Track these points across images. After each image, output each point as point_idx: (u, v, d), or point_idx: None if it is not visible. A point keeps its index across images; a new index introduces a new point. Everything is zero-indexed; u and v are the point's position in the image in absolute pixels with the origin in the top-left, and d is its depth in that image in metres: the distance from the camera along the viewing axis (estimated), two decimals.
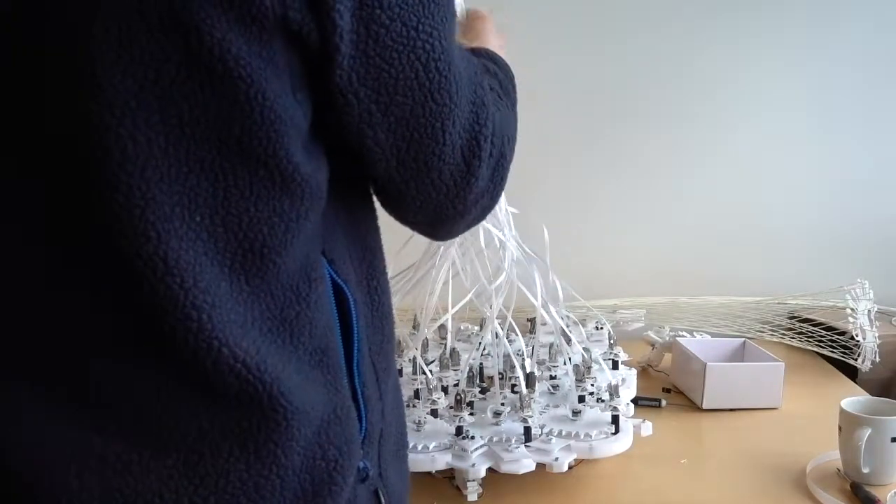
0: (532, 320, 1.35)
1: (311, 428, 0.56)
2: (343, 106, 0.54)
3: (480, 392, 1.15)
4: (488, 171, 0.63)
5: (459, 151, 0.60)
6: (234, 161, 0.51)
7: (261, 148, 0.51)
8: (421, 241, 1.18)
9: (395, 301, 1.14)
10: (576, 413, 1.08)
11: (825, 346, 1.52)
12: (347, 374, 0.61)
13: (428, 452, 1.00)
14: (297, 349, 0.56)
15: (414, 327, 1.26)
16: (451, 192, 0.61)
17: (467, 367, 1.14)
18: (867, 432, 1.03)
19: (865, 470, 1.05)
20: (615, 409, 1.06)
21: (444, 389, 1.12)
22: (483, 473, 1.00)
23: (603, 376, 1.15)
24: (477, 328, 1.40)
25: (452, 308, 1.16)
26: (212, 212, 0.51)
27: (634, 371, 1.28)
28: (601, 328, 1.43)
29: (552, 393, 1.17)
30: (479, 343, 1.21)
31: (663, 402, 1.33)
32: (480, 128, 0.61)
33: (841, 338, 1.49)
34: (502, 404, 1.08)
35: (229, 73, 0.49)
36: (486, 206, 0.66)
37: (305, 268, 0.57)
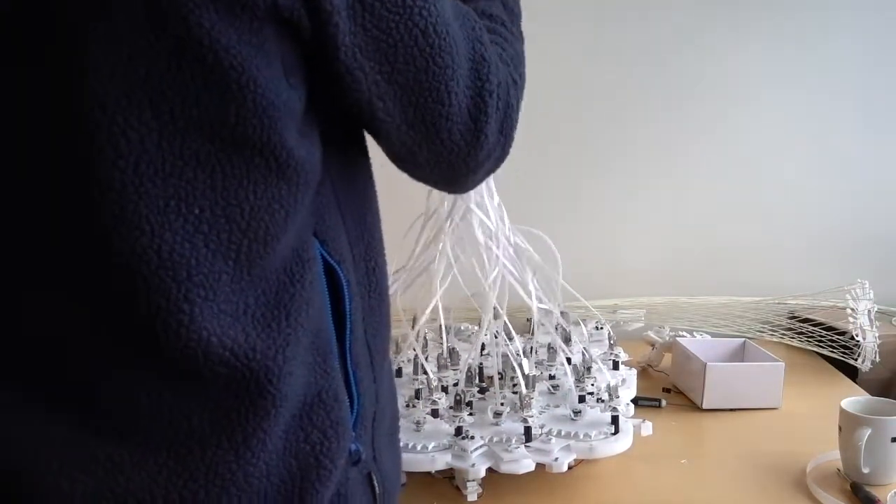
0: (531, 320, 1.35)
1: (291, 411, 0.56)
2: (351, 83, 0.55)
3: (479, 392, 1.15)
4: (496, 124, 0.63)
5: (466, 110, 0.60)
6: (230, 151, 0.51)
7: (255, 135, 0.51)
8: (413, 239, 1.18)
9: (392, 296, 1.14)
10: (576, 413, 1.08)
11: (825, 346, 1.52)
12: (340, 356, 0.61)
13: (428, 452, 1.00)
14: (295, 331, 0.56)
15: (413, 327, 1.25)
16: (463, 150, 0.62)
17: (467, 367, 1.14)
18: (867, 432, 1.03)
19: (865, 470, 1.04)
20: (615, 409, 1.06)
21: (444, 389, 1.12)
22: (483, 473, 1.00)
23: (603, 376, 1.15)
24: (477, 328, 1.40)
25: (446, 306, 1.16)
26: (211, 203, 0.51)
27: (634, 371, 1.28)
28: (601, 328, 1.43)
29: (552, 393, 1.17)
30: (480, 343, 1.21)
31: (663, 402, 1.33)
32: (483, 83, 0.61)
33: (841, 338, 1.49)
34: (502, 404, 1.08)
35: (220, 63, 0.49)
36: (498, 157, 0.67)
37: (297, 249, 0.57)
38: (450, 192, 0.76)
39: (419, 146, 0.61)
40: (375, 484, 0.64)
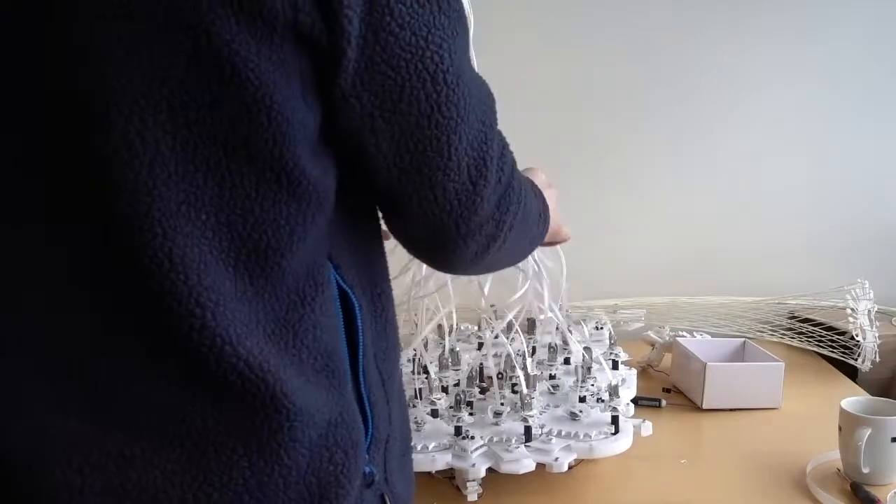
0: (532, 320, 1.35)
1: (317, 430, 0.56)
2: (345, 110, 0.54)
3: (480, 392, 1.15)
4: (495, 195, 0.61)
5: (466, 169, 0.59)
6: (241, 162, 0.51)
7: (267, 150, 0.51)
8: None
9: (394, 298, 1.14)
10: (576, 413, 1.08)
11: (825, 346, 1.52)
12: (353, 379, 0.61)
13: (428, 452, 1.00)
14: (299, 352, 0.56)
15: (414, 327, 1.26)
16: (455, 211, 0.60)
17: (467, 368, 1.14)
18: (867, 432, 1.03)
19: (865, 470, 1.05)
20: (615, 409, 1.06)
21: (445, 389, 1.12)
22: (483, 473, 1.00)
23: (603, 376, 1.15)
24: (476, 328, 1.40)
25: (451, 308, 1.16)
26: (216, 210, 0.51)
27: (634, 371, 1.28)
28: (601, 328, 1.43)
29: (552, 393, 1.17)
30: (480, 343, 1.21)
31: (663, 402, 1.33)
32: (488, 148, 0.59)
33: (841, 338, 1.49)
34: (502, 404, 1.08)
35: (237, 75, 0.49)
36: (490, 234, 0.64)
37: (312, 272, 0.57)
38: (435, 264, 0.71)
39: (410, 197, 0.59)
40: None
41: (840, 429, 1.08)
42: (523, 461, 0.99)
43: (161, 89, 0.48)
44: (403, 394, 0.72)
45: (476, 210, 0.61)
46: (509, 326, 1.20)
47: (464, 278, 1.17)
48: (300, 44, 0.50)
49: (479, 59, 1.01)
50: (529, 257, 1.12)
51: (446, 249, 0.64)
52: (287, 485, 0.55)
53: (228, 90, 0.49)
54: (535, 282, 1.13)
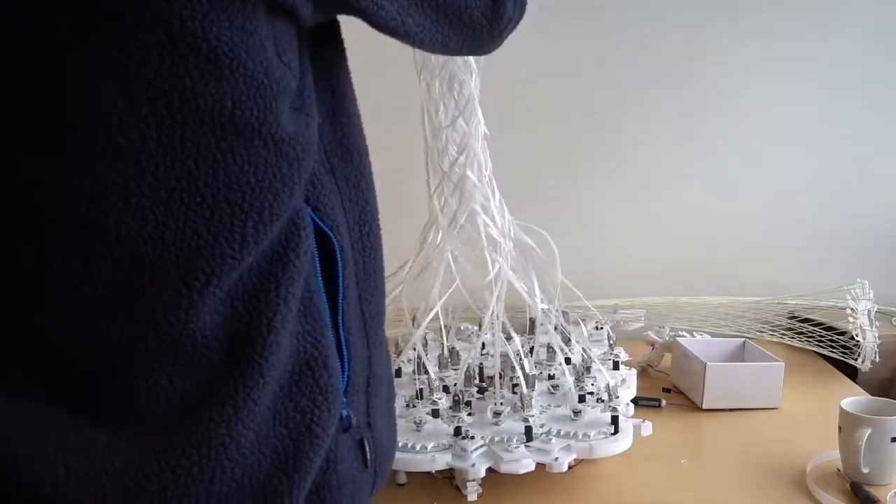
0: (532, 320, 1.35)
1: (279, 381, 0.56)
2: (384, 18, 0.58)
3: (478, 392, 1.15)
4: None
5: None
6: (231, 138, 0.52)
7: (253, 118, 0.52)
8: (414, 241, 1.18)
9: (390, 300, 1.14)
10: (576, 413, 1.08)
11: (825, 346, 1.52)
12: (332, 323, 0.61)
13: (428, 452, 1.00)
14: (285, 300, 0.56)
15: (413, 326, 1.25)
16: (486, 27, 0.67)
17: (466, 367, 1.14)
18: (867, 432, 1.04)
19: (865, 470, 1.05)
20: (615, 409, 1.06)
21: (446, 389, 1.12)
22: (483, 473, 1.00)
23: (602, 376, 1.15)
24: (477, 328, 1.40)
25: (446, 306, 1.16)
26: (214, 191, 0.52)
27: (634, 371, 1.28)
28: (601, 328, 1.43)
29: (552, 393, 1.17)
30: (480, 342, 1.21)
31: (663, 402, 1.33)
32: None
33: (841, 338, 1.49)
34: (501, 404, 1.08)
35: (213, 51, 0.49)
36: (517, 18, 0.71)
37: (293, 217, 0.57)
38: (475, 55, 0.86)
39: (448, 37, 0.66)
40: (367, 450, 0.64)
41: (840, 429, 1.08)
42: (523, 461, 0.99)
43: (139, 84, 0.49)
44: (386, 341, 0.71)
45: (502, 15, 0.68)
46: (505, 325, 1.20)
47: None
48: (269, 10, 0.52)
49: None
50: (508, 251, 1.12)
51: (486, 48, 0.73)
52: (260, 440, 0.55)
53: (207, 68, 0.50)
54: (525, 275, 1.13)
